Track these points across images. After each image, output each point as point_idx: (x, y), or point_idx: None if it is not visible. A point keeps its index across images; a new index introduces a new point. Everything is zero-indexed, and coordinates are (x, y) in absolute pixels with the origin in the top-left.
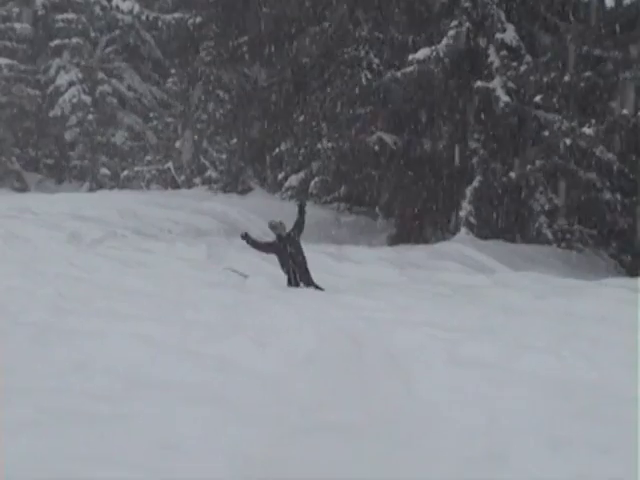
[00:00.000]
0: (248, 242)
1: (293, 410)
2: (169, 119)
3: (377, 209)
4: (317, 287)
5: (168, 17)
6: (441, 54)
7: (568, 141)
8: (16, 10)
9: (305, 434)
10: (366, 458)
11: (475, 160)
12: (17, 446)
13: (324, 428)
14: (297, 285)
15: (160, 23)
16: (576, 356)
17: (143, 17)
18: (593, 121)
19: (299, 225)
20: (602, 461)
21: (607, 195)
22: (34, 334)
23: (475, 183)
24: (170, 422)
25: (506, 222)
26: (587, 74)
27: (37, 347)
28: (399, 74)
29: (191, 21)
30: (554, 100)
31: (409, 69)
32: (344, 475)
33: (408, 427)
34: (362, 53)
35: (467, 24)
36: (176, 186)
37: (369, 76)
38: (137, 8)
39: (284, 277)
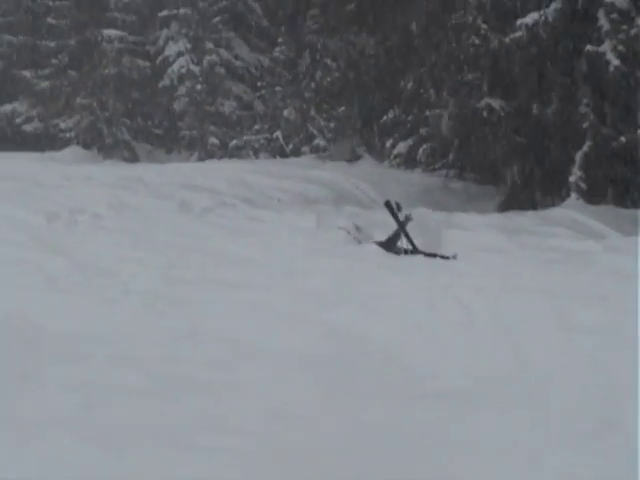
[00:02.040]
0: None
1: (405, 377)
2: (277, 88)
3: (486, 175)
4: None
5: None
6: (550, 18)
7: None
8: None
9: (418, 401)
10: (476, 425)
11: (585, 125)
12: (128, 414)
13: (436, 395)
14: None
15: None
16: None
17: None
18: None
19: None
20: None
21: None
22: (145, 302)
23: (585, 148)
24: (281, 390)
25: (616, 187)
26: None
27: (148, 315)
28: (507, 39)
29: None
30: None
31: (517, 34)
32: (455, 438)
33: (518, 393)
34: (470, 19)
35: None
36: (284, 155)
37: (477, 42)
38: None
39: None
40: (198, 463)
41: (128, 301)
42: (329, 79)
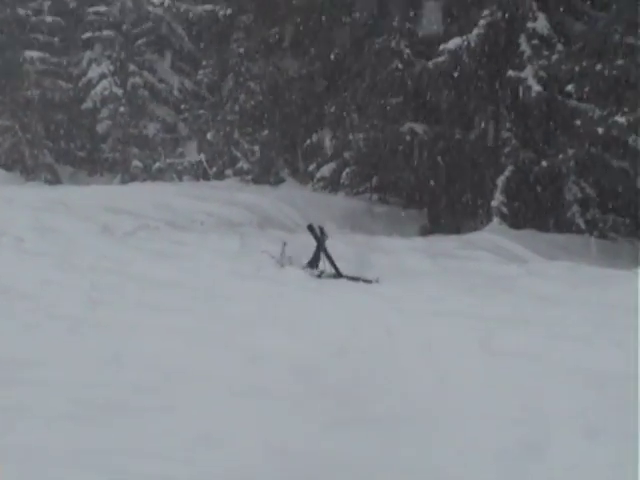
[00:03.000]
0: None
1: (329, 402)
2: (200, 111)
3: (409, 199)
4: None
5: (199, 9)
6: (472, 44)
7: (600, 130)
8: (47, 3)
9: (342, 426)
10: (402, 449)
11: (507, 150)
12: (50, 438)
13: (360, 420)
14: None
15: (191, 15)
16: (610, 346)
17: (174, 9)
18: (625, 110)
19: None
20: (636, 449)
21: None
22: (68, 327)
23: (507, 173)
24: (207, 414)
25: (538, 211)
26: (619, 62)
27: (72, 339)
28: (430, 64)
29: (222, 13)
30: (586, 89)
31: (440, 59)
32: (379, 467)
33: (443, 418)
34: (393, 43)
35: (499, 13)
36: (208, 178)
37: (400, 66)
38: (168, 0)
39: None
40: None
41: (51, 325)
42: (253, 102)
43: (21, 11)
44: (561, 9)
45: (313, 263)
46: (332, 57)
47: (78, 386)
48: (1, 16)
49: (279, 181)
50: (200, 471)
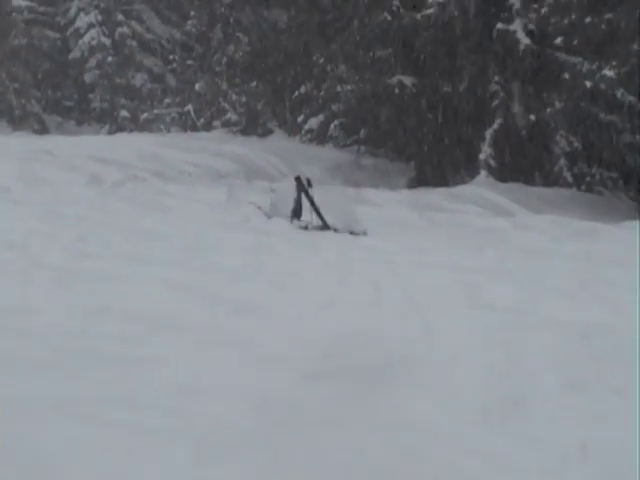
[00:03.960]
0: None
1: (312, 353)
2: (188, 61)
3: (397, 152)
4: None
5: None
6: None
7: (589, 83)
8: None
9: (325, 377)
10: (384, 402)
11: (495, 103)
12: (33, 387)
13: (343, 371)
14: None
15: None
16: (594, 299)
17: None
18: (614, 63)
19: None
20: (618, 402)
21: (628, 137)
22: (54, 277)
23: (495, 126)
24: (188, 364)
25: (526, 165)
26: (608, 16)
27: (57, 289)
28: (419, 16)
29: None
30: (575, 42)
31: (429, 11)
32: (362, 417)
33: (426, 370)
34: None
35: None
36: (195, 129)
37: (389, 18)
38: None
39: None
40: (102, 436)
41: (37, 275)
42: (241, 53)
43: None
44: None
45: (296, 213)
46: (320, 8)
47: (61, 335)
48: None
49: (267, 132)
50: (180, 421)
